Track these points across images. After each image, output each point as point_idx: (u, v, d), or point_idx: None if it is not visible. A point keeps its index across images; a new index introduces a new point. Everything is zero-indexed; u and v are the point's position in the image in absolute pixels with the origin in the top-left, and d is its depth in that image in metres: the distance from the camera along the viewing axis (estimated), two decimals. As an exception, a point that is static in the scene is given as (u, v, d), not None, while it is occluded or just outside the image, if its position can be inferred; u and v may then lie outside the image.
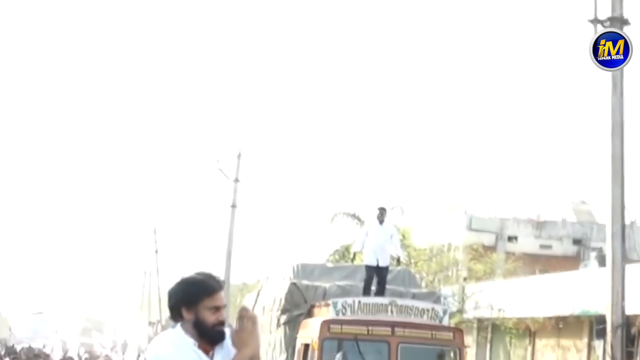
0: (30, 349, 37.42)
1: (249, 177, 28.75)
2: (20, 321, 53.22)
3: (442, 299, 18.89)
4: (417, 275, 31.93)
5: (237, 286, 37.08)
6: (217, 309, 4.56)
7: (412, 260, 32.28)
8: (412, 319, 15.22)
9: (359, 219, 31.79)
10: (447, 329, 15.48)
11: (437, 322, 15.28)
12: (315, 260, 30.18)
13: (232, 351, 4.66)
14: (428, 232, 37.74)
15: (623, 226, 7.27)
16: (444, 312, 15.76)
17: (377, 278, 16.39)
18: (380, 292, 16.29)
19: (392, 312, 15.39)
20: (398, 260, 17.94)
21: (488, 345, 40.17)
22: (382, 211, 17.10)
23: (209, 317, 4.55)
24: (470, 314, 32.98)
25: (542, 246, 42.78)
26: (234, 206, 28.63)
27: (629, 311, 7.03)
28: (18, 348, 38.15)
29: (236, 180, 29.10)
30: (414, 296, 16.92)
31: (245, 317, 4.66)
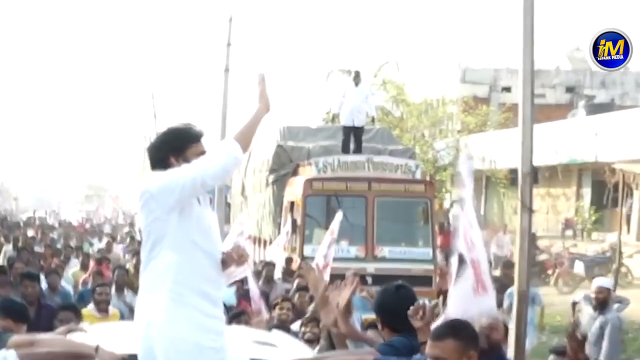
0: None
1: (242, 41, 29.17)
2: (23, 191, 54.32)
3: (415, 154, 19.82)
4: (412, 131, 32.81)
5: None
6: (202, 154, 4.71)
7: (406, 115, 32.84)
8: (387, 174, 16.21)
9: (355, 75, 32.08)
10: (419, 182, 16.49)
11: (410, 176, 16.27)
12: (312, 119, 30.88)
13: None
14: (423, 86, 38.09)
15: (532, 88, 7.92)
16: (417, 166, 16.75)
17: (353, 137, 17.29)
18: (358, 150, 17.20)
19: (368, 168, 16.38)
20: (373, 119, 18.79)
21: (482, 197, 41.22)
22: (357, 73, 17.95)
23: None
24: (463, 166, 33.59)
25: (535, 95, 42.79)
26: (227, 70, 29.08)
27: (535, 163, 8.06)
28: (23, 217, 39.25)
29: (228, 44, 29.44)
30: (391, 153, 17.88)
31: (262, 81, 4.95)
